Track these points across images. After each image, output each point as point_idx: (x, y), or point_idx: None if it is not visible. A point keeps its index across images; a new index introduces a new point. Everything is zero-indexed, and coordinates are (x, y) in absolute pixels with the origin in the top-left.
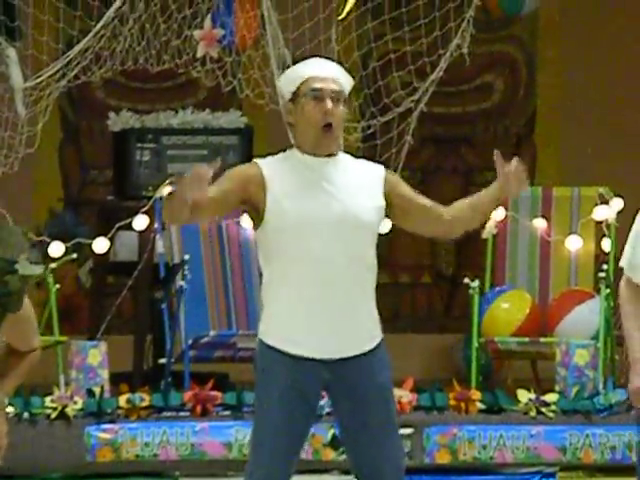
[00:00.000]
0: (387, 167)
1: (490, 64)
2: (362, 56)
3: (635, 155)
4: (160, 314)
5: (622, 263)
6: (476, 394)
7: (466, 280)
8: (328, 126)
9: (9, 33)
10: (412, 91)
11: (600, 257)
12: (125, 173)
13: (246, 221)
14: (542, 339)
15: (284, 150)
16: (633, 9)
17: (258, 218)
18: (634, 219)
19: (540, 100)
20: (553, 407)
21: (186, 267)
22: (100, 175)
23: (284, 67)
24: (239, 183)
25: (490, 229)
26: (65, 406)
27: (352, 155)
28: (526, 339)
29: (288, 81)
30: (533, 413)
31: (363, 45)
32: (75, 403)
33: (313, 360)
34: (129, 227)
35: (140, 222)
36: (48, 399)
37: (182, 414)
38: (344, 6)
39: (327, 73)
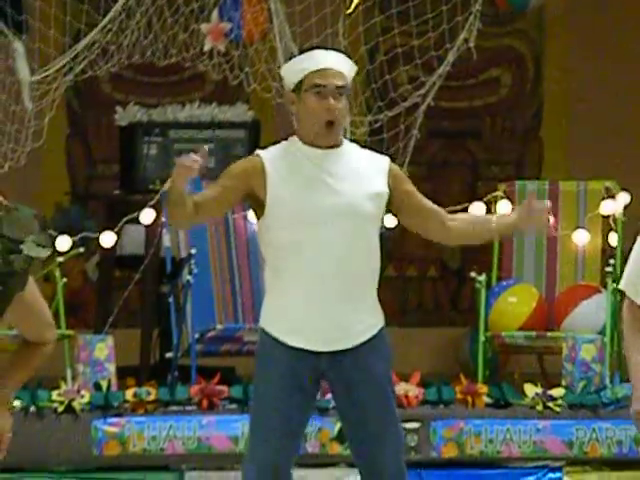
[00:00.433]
0: (394, 161)
1: (497, 58)
2: (369, 50)
3: None
4: (167, 308)
5: (622, 285)
6: (483, 388)
7: (473, 274)
8: (330, 123)
9: (16, 26)
10: (419, 85)
11: (607, 251)
12: (132, 167)
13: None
14: (549, 333)
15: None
16: (639, 3)
17: (260, 209)
18: (635, 239)
19: (547, 94)
20: (560, 401)
21: (193, 261)
22: (107, 169)
23: None
24: (240, 179)
25: None
26: (72, 400)
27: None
28: (533, 333)
29: (291, 72)
30: (540, 407)
31: (370, 39)
32: (82, 397)
33: (309, 351)
34: (136, 221)
35: (147, 216)
36: (55, 393)
37: (189, 408)
38: (351, 0)
39: (330, 66)
